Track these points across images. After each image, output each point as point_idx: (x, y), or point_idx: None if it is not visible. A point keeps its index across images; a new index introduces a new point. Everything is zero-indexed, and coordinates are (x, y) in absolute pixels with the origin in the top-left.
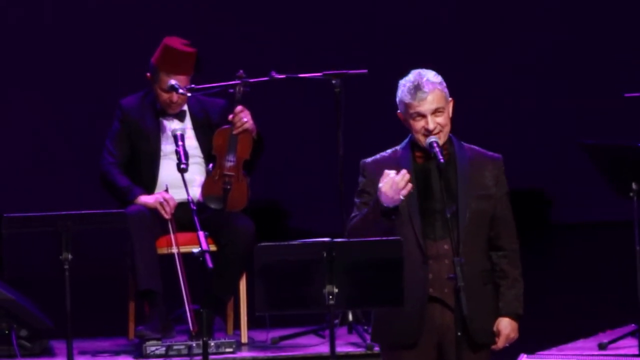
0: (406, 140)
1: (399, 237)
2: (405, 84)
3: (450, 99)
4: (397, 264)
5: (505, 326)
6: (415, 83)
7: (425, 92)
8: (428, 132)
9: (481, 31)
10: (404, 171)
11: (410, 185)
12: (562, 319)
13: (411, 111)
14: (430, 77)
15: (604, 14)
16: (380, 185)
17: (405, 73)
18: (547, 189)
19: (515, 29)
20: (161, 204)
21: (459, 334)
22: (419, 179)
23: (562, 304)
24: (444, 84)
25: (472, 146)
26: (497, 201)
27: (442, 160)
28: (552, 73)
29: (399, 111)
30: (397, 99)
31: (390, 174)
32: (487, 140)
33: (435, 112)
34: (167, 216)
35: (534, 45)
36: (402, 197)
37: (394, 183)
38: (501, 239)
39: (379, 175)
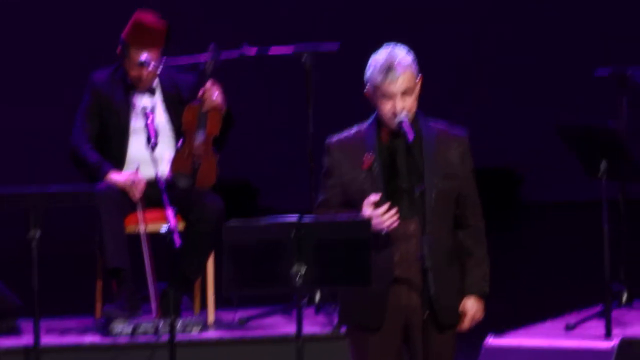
0: (372, 118)
1: (367, 217)
2: (375, 64)
3: (419, 76)
4: (365, 243)
5: (471, 306)
6: (387, 64)
7: (396, 74)
8: (394, 115)
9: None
10: (390, 211)
11: (396, 222)
12: (529, 299)
13: (379, 92)
14: (402, 57)
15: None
16: (365, 215)
17: (377, 48)
18: (517, 167)
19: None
20: (131, 185)
21: (426, 314)
22: (385, 158)
23: (530, 284)
24: (415, 63)
25: (438, 122)
26: (463, 179)
27: (410, 140)
28: (523, 45)
29: (366, 90)
30: (366, 77)
31: (373, 210)
32: (456, 116)
33: (404, 93)
34: (135, 199)
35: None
36: (384, 232)
37: (377, 221)
38: (467, 217)
39: (343, 155)
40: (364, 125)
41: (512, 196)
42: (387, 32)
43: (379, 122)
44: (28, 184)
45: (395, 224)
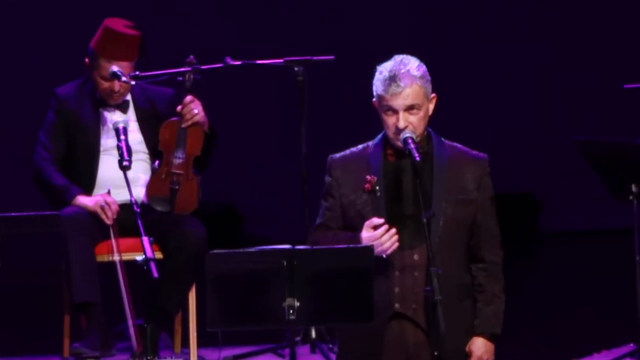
0: (380, 136)
1: (370, 245)
2: (382, 71)
3: (432, 95)
4: (366, 274)
5: (479, 347)
6: (392, 74)
7: (400, 86)
8: (398, 131)
9: (466, 19)
10: (390, 231)
11: (396, 244)
12: (552, 338)
13: (383, 104)
14: (411, 68)
15: (599, 8)
16: (364, 236)
17: (378, 59)
18: (538, 192)
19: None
20: (102, 207)
21: (436, 353)
22: (389, 179)
23: (553, 321)
24: (427, 78)
25: (454, 144)
26: (479, 207)
27: (417, 159)
28: (545, 66)
29: (374, 99)
30: (373, 87)
31: (374, 232)
32: (471, 137)
33: (410, 109)
34: (108, 222)
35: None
36: (385, 255)
37: (378, 243)
38: (481, 250)
39: (345, 175)
40: (371, 143)
41: (531, 224)
42: (398, 44)
43: (386, 140)
44: None
45: (395, 247)
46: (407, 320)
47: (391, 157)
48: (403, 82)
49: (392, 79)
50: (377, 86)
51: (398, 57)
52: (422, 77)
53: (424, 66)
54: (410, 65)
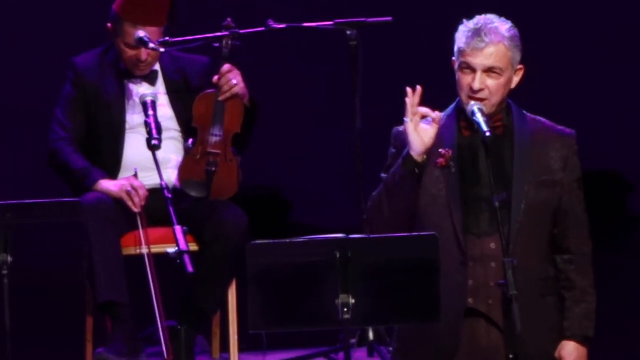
0: (452, 106)
1: (433, 232)
2: (466, 24)
3: (519, 66)
4: (431, 266)
5: (570, 352)
6: (478, 26)
7: (484, 41)
8: (472, 93)
9: None
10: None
11: (436, 116)
12: None
13: (462, 59)
14: (500, 25)
15: None
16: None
17: (445, 21)
18: (627, 171)
19: None
20: (128, 193)
21: (511, 356)
22: (465, 157)
23: None
24: (516, 42)
25: (538, 117)
26: (565, 190)
27: (488, 134)
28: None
29: (453, 58)
30: (455, 40)
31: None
32: (553, 112)
33: (489, 71)
34: (135, 209)
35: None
36: (426, 141)
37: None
38: (568, 239)
39: None
40: (443, 113)
41: (619, 206)
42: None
43: (460, 111)
44: None
45: (437, 120)
46: (481, 318)
47: (466, 131)
48: (488, 38)
49: (477, 32)
50: (459, 39)
51: (490, 15)
52: (511, 38)
53: (516, 30)
54: (500, 23)
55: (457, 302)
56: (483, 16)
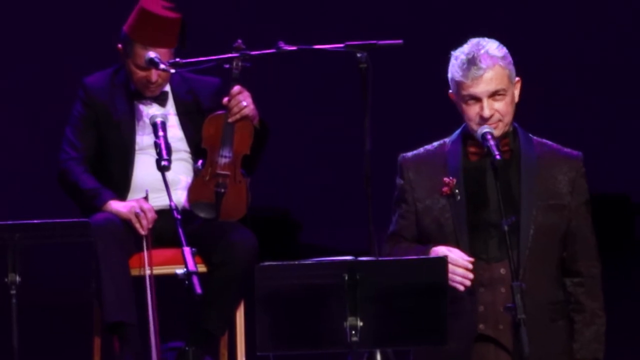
0: (458, 131)
1: (443, 256)
2: (458, 56)
3: (517, 79)
4: (439, 290)
5: None
6: (470, 56)
7: (481, 68)
8: (483, 121)
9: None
10: (465, 259)
11: (467, 283)
12: None
13: (463, 92)
14: (491, 49)
15: None
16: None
17: (452, 44)
18: (633, 194)
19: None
20: (137, 215)
21: None
22: (471, 182)
23: None
24: (509, 59)
25: (544, 141)
26: (573, 213)
27: (498, 157)
28: None
29: (450, 91)
30: (449, 76)
31: (448, 254)
32: (559, 134)
33: (494, 95)
34: (142, 232)
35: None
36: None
37: (450, 270)
38: (577, 262)
39: (419, 176)
40: (448, 139)
41: (626, 230)
42: (461, 28)
43: (466, 136)
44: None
45: (462, 285)
46: (491, 343)
47: (472, 157)
48: (484, 64)
49: (471, 61)
50: (454, 73)
51: (474, 40)
52: (503, 57)
53: (505, 48)
54: (489, 46)
55: (468, 328)
56: (469, 43)
